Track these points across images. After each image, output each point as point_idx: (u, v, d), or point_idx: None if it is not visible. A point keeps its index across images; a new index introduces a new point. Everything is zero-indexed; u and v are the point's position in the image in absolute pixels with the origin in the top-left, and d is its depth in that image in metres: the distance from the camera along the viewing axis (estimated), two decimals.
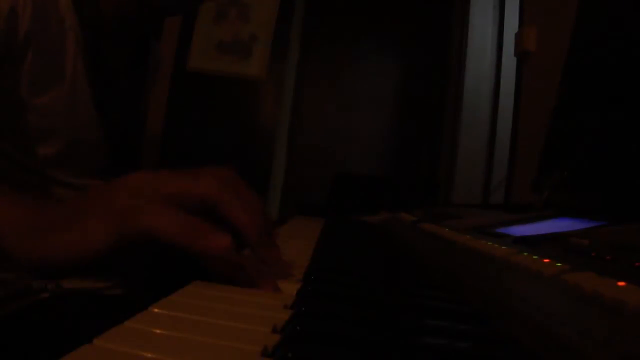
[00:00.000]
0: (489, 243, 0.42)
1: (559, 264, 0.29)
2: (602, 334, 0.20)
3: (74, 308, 0.65)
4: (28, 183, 0.65)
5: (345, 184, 2.11)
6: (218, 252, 0.32)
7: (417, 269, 0.45)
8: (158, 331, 0.23)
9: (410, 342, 0.23)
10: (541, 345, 0.22)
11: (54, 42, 0.62)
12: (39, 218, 0.37)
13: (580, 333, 0.21)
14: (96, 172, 0.74)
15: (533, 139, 1.06)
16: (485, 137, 2.02)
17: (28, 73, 0.60)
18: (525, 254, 0.34)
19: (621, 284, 0.22)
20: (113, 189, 0.36)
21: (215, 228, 0.33)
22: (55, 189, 0.67)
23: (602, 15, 0.65)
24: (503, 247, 0.39)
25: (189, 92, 2.24)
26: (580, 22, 0.71)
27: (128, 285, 0.79)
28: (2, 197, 0.39)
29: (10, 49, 0.57)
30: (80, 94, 0.66)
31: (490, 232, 0.52)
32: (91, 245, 0.34)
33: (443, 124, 2.28)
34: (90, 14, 0.65)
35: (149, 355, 0.20)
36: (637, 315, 0.19)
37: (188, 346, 0.21)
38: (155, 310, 0.26)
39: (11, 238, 0.35)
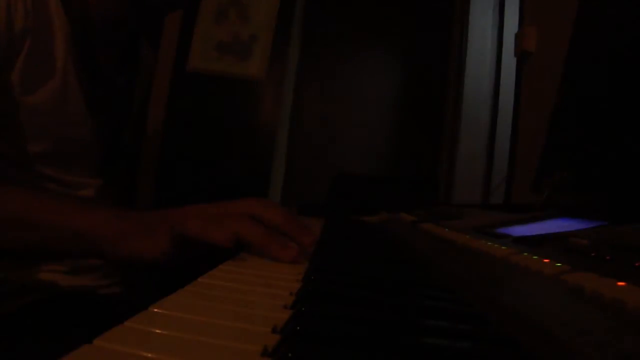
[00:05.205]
0: (489, 243, 0.42)
1: (559, 264, 0.29)
2: (602, 334, 0.20)
3: (74, 308, 0.65)
4: (19, 179, 0.65)
5: (345, 184, 2.11)
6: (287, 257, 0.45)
7: (417, 269, 0.45)
8: (158, 331, 0.23)
9: (410, 342, 0.23)
10: (541, 345, 0.22)
11: (43, 40, 0.62)
12: (127, 226, 0.48)
13: (580, 333, 0.21)
14: (89, 170, 0.74)
15: (533, 139, 1.06)
16: (485, 137, 2.02)
17: (20, 70, 0.60)
18: (525, 254, 0.34)
19: (621, 284, 0.22)
20: (180, 210, 0.50)
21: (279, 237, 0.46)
22: (46, 185, 0.67)
23: (602, 15, 0.65)
24: (503, 247, 0.39)
25: (189, 92, 2.24)
26: (580, 22, 0.71)
27: (128, 285, 0.78)
28: (105, 209, 0.51)
29: (11, 44, 0.58)
30: (71, 91, 0.67)
31: (490, 232, 0.52)
32: (161, 247, 0.47)
33: (443, 124, 2.28)
34: (79, 13, 0.66)
35: (149, 355, 0.20)
36: (637, 315, 0.19)
37: (188, 346, 0.21)
38: (155, 310, 0.26)
39: (108, 241, 0.47)
